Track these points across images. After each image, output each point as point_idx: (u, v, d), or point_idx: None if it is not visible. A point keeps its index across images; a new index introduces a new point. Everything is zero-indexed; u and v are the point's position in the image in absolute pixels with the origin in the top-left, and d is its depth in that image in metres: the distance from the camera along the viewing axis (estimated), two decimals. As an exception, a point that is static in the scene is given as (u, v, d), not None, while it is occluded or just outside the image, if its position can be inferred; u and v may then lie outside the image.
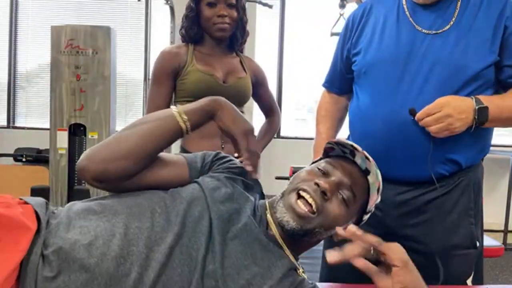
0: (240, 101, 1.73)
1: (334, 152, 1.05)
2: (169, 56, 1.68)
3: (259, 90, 1.85)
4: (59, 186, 3.79)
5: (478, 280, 1.31)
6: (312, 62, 4.37)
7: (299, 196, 0.94)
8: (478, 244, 1.27)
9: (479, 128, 1.18)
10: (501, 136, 4.22)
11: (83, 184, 3.81)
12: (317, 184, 0.94)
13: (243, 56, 1.84)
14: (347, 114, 1.45)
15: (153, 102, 1.68)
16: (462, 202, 1.25)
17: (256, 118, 2.02)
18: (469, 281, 1.28)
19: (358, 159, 1.00)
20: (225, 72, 1.72)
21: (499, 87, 1.22)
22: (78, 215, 0.87)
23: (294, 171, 3.74)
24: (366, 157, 0.99)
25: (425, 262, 1.23)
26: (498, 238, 3.75)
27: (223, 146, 1.67)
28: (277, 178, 3.19)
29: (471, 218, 1.26)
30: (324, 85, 1.56)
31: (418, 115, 1.15)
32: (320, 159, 1.08)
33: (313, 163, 1.09)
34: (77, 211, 0.89)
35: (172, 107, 0.98)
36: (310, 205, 0.93)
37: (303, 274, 0.96)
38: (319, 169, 0.99)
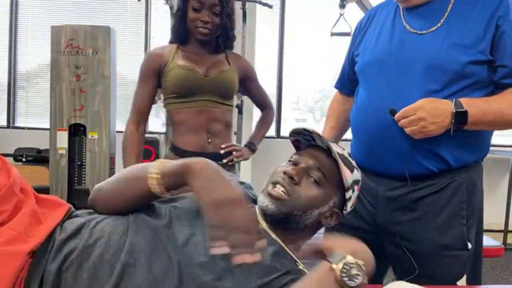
0: (224, 94, 1.75)
1: (302, 144, 1.14)
2: (152, 57, 1.77)
3: (248, 85, 1.89)
4: (59, 186, 3.79)
5: (475, 282, 1.31)
6: (312, 62, 4.37)
7: (274, 187, 1.04)
8: (470, 246, 1.26)
9: (470, 130, 1.18)
10: (501, 136, 4.22)
11: (83, 184, 3.82)
12: (284, 172, 1.03)
13: (229, 52, 1.84)
14: None
15: (137, 99, 1.79)
16: (453, 202, 1.25)
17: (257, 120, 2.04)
18: (464, 282, 1.27)
19: (318, 141, 1.08)
20: (207, 66, 1.74)
21: (494, 88, 1.22)
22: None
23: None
24: (319, 135, 1.07)
25: (415, 260, 1.24)
26: (498, 238, 3.75)
27: (209, 140, 1.71)
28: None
29: (462, 219, 1.25)
30: (335, 86, 1.63)
31: (396, 116, 1.18)
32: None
33: None
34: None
35: (151, 167, 0.92)
36: (283, 192, 1.01)
37: (304, 269, 0.97)
38: (290, 161, 1.09)
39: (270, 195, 1.02)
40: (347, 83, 1.54)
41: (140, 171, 0.94)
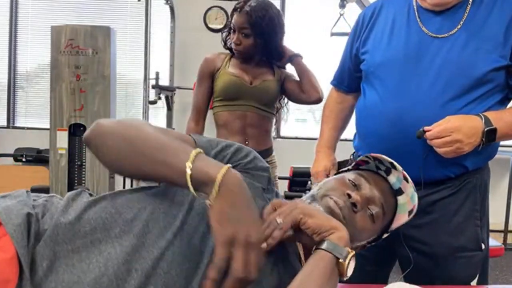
0: (267, 102, 1.95)
1: (367, 166, 1.05)
2: (207, 62, 1.98)
3: (287, 83, 2.04)
4: (59, 186, 3.78)
5: (483, 281, 1.30)
6: (312, 62, 4.36)
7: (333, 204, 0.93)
8: (483, 246, 1.26)
9: None
10: (501, 136, 4.20)
11: (83, 184, 3.81)
12: (348, 195, 0.93)
13: (275, 67, 2.02)
14: (353, 113, 1.45)
15: (194, 100, 2.02)
16: (468, 204, 1.24)
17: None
18: (474, 283, 1.26)
19: (392, 178, 1.01)
20: (253, 75, 1.94)
21: (508, 92, 1.21)
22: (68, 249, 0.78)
23: (294, 171, 3.74)
24: (405, 178, 0.99)
25: (430, 264, 1.23)
26: (498, 238, 3.75)
27: (247, 142, 1.88)
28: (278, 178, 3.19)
29: (476, 220, 1.25)
30: (332, 83, 1.57)
31: (428, 135, 1.14)
32: (348, 170, 1.09)
33: (338, 172, 1.12)
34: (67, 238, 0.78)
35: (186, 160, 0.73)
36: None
37: None
38: (350, 180, 0.98)
39: (330, 210, 0.90)
40: (347, 80, 1.48)
41: (175, 154, 0.75)
